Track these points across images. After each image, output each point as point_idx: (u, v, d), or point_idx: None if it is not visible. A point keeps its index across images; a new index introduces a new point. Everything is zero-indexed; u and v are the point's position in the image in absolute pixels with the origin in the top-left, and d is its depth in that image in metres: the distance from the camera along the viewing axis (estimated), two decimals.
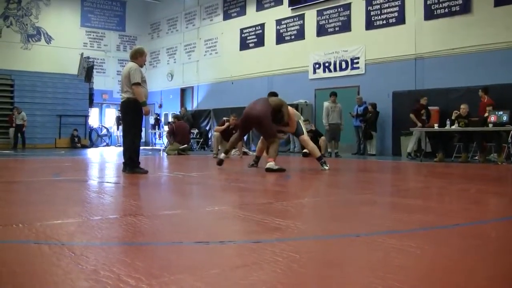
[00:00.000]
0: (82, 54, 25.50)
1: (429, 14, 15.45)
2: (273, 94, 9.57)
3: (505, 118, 11.45)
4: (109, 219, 3.65)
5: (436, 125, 13.01)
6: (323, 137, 15.06)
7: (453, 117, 12.50)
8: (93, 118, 26.66)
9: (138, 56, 7.82)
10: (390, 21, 16.53)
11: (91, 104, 24.60)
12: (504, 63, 13.62)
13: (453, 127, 12.23)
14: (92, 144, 24.83)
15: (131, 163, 7.73)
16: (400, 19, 16.24)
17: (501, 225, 3.66)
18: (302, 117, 9.64)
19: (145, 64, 8.19)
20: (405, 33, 16.06)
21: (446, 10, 15.05)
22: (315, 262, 2.43)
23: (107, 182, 6.90)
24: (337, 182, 7.40)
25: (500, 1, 13.82)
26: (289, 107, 9.31)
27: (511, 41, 13.55)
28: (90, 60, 25.37)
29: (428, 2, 15.47)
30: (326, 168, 8.72)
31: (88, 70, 24.80)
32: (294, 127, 9.22)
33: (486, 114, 12.23)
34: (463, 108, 12.41)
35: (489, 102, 12.65)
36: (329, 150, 15.23)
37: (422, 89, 15.16)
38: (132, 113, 7.69)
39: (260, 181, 7.20)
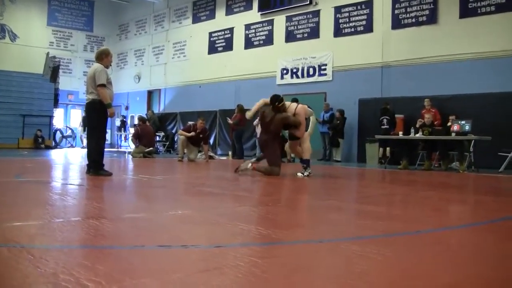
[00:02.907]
0: (48, 54, 25.11)
1: (397, 23, 15.68)
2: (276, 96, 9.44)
3: (467, 127, 11.66)
4: (71, 221, 3.60)
5: (400, 133, 13.21)
6: (288, 143, 15.09)
7: (417, 126, 12.71)
8: (58, 119, 26.27)
9: (103, 57, 7.76)
10: (358, 29, 16.72)
11: (56, 104, 24.23)
12: (468, 73, 13.92)
13: (417, 135, 12.41)
14: (56, 145, 24.46)
15: (95, 165, 7.66)
16: (368, 28, 16.44)
17: (461, 232, 3.72)
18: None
19: (111, 65, 8.11)
20: (372, 42, 16.26)
21: (413, 20, 15.30)
22: (277, 267, 2.43)
23: (71, 184, 6.80)
24: (303, 187, 7.43)
25: (465, 13, 14.15)
26: (301, 106, 9.34)
27: (475, 52, 13.85)
28: (56, 60, 25.01)
29: (396, 12, 15.70)
30: (304, 175, 8.82)
31: (54, 70, 24.43)
32: (303, 132, 9.28)
33: (449, 123, 12.47)
34: (427, 117, 12.62)
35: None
36: (292, 155, 15.24)
37: (388, 97, 15.35)
38: (97, 114, 7.62)
39: (225, 186, 7.19)
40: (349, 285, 2.11)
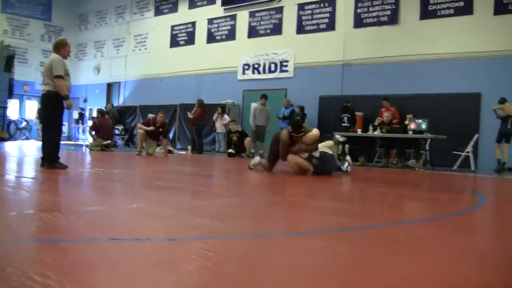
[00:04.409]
0: (2, 42, 24.49)
1: (359, 22, 15.85)
2: (295, 123, 8.99)
3: (424, 126, 11.90)
4: (23, 215, 3.54)
5: (359, 130, 13.36)
6: (248, 138, 15.18)
7: (376, 123, 12.88)
8: (13, 110, 25.66)
9: (60, 48, 7.60)
10: (321, 26, 16.83)
11: (10, 95, 23.61)
12: (426, 73, 14.18)
13: (375, 132, 12.57)
14: (11, 137, 23.92)
15: (50, 158, 7.51)
16: (330, 26, 16.56)
17: (412, 227, 3.79)
18: (332, 147, 9.53)
19: (69, 56, 7.96)
20: (334, 40, 16.38)
21: (375, 20, 15.49)
22: (228, 260, 2.44)
23: (24, 177, 6.67)
24: (259, 183, 7.46)
25: (425, 15, 14.41)
26: (312, 134, 8.78)
27: (434, 53, 14.10)
28: (11, 49, 24.37)
29: (358, 11, 15.86)
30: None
31: (8, 59, 23.78)
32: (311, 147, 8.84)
33: (407, 122, 12.68)
34: (386, 115, 12.80)
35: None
36: (252, 150, 15.29)
37: (348, 95, 15.50)
38: (53, 106, 7.47)
39: (183, 180, 7.17)
40: (297, 277, 2.13)
